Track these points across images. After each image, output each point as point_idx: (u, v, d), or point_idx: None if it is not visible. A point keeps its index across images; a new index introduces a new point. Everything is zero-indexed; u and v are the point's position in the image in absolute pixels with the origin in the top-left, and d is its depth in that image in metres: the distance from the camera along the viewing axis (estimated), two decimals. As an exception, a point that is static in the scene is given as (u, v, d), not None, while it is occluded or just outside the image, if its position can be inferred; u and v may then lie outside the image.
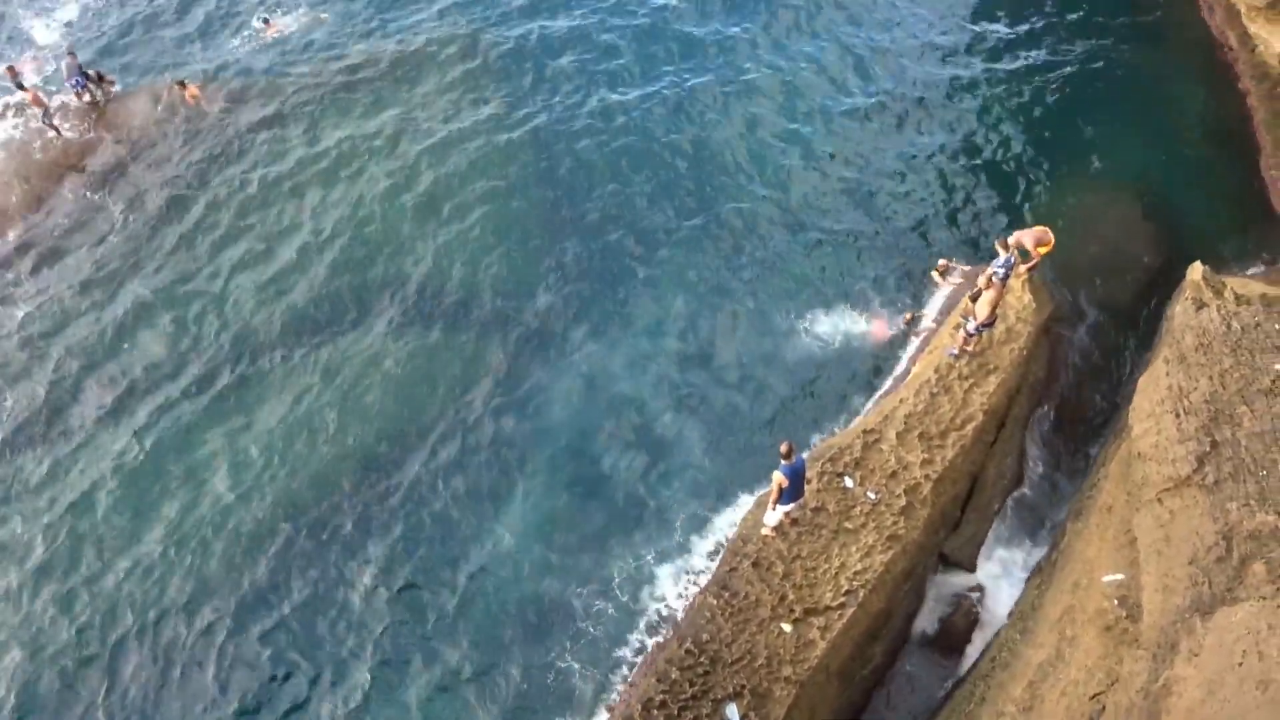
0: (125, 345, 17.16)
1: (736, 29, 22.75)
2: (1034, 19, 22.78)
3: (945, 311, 16.79)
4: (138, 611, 13.88)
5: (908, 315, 17.00)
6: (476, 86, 21.45)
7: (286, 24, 23.25)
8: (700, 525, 14.61)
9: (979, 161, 19.99)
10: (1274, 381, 12.91)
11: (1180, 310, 14.61)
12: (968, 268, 17.44)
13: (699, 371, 16.66)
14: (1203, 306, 14.37)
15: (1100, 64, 21.67)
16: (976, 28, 22.77)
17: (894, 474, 13.96)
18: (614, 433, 15.87)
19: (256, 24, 23.23)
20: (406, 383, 16.44)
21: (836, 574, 13.00)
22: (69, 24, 23.72)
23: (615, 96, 21.23)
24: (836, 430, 15.60)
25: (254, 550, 14.50)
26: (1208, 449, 12.20)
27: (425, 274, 17.97)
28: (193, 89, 20.94)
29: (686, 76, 21.69)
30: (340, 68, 21.92)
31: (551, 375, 16.62)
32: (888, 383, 16.33)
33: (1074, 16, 22.70)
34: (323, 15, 23.44)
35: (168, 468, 15.45)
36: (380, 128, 20.52)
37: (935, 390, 14.85)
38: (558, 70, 21.87)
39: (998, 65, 21.83)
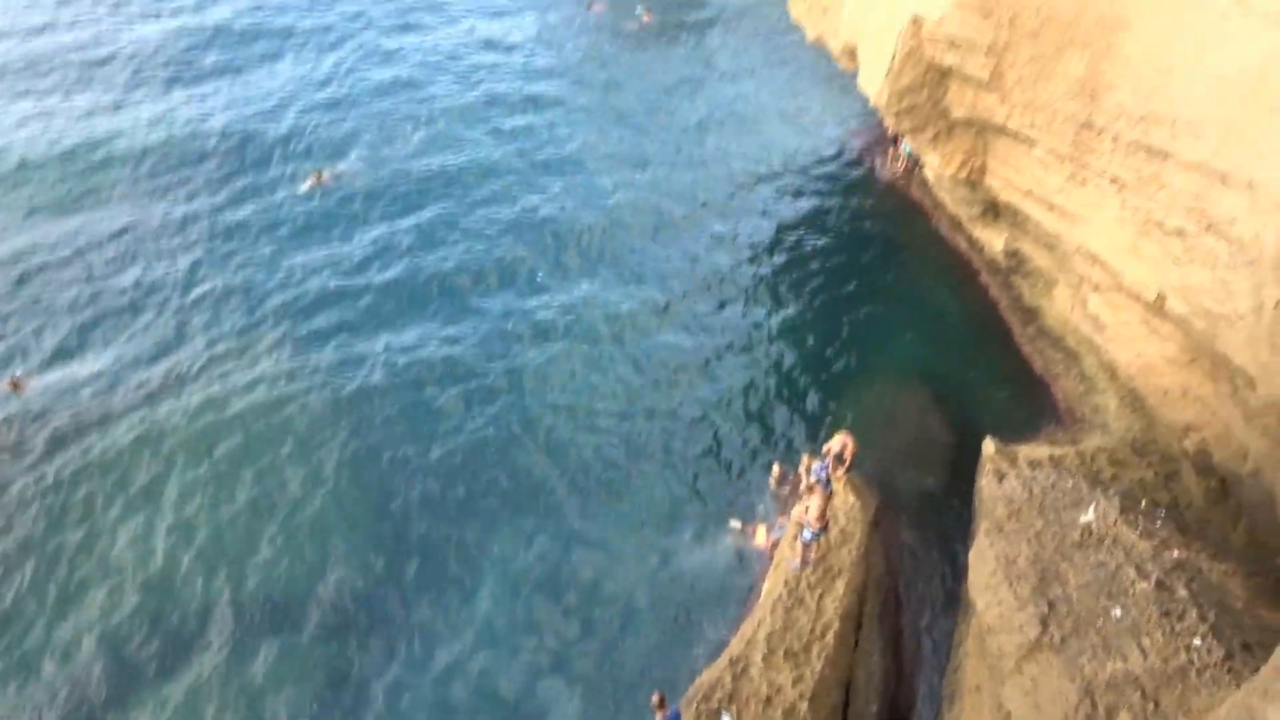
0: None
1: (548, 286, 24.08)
2: (803, 248, 25.45)
3: (786, 519, 17.26)
4: None
5: (751, 526, 17.32)
6: (284, 380, 21.12)
7: (39, 381, 20.54)
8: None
9: (783, 379, 21.38)
10: (1083, 534, 13.90)
11: (986, 484, 15.71)
12: (796, 475, 18.21)
13: (562, 628, 16.08)
14: (1003, 477, 15.53)
15: (867, 278, 24.27)
16: (758, 267, 25.05)
17: (769, 699, 13.66)
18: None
19: (4, 386, 20.20)
20: (246, 712, 14.88)
21: (735, 822, 12.26)
22: None
23: (436, 362, 21.58)
24: (702, 654, 15.27)
25: None
26: (1046, 610, 12.78)
27: (253, 588, 16.72)
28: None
29: (507, 332, 22.45)
30: (120, 405, 20.30)
31: (404, 671, 15.53)
32: (745, 603, 16.32)
33: (837, 244, 25.61)
34: (87, 360, 21.22)
35: None
36: (174, 445, 19.40)
37: (789, 604, 14.95)
38: (371, 356, 22.06)
39: (784, 294, 23.97)
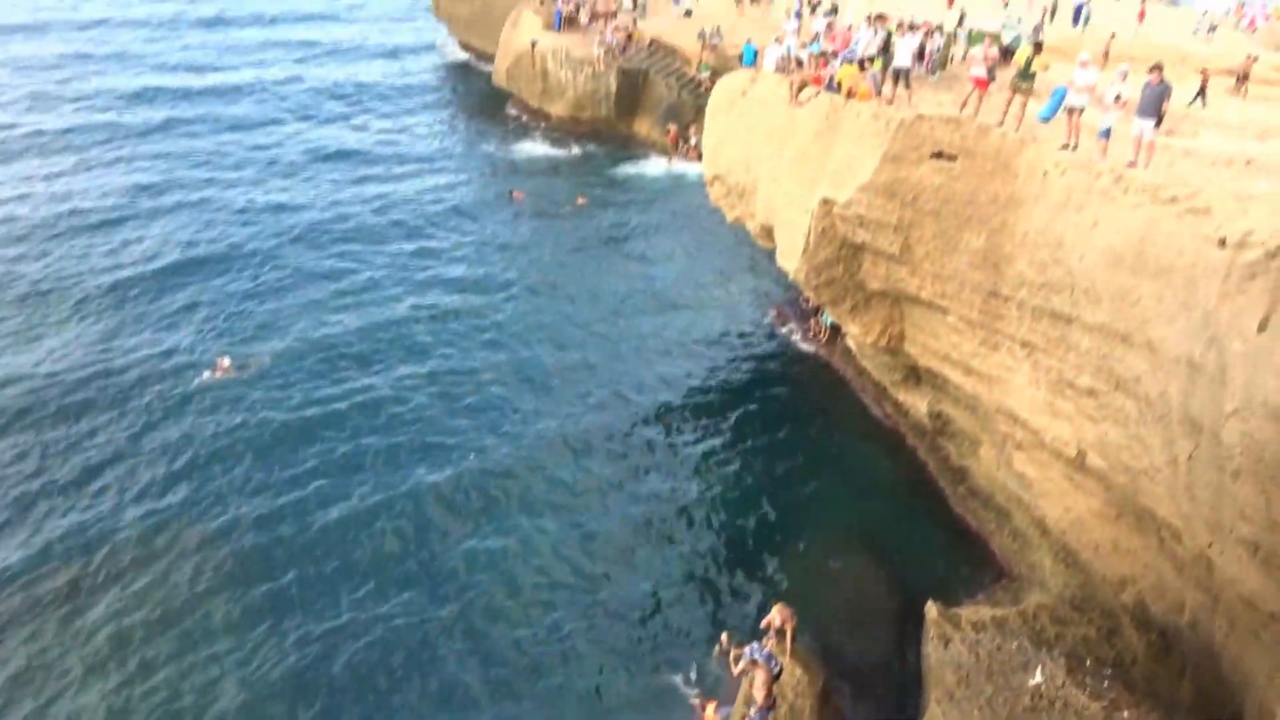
0: None
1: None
2: (732, 423, 25.81)
3: (735, 694, 16.58)
4: None
5: (700, 703, 16.59)
6: (191, 589, 19.89)
7: None
8: None
9: (718, 554, 21.08)
10: (1033, 698, 13.66)
11: (932, 649, 15.49)
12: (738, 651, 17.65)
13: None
14: (949, 641, 15.34)
15: (797, 448, 24.57)
16: (686, 446, 25.18)
17: None
18: None
19: None
20: None
21: None
22: None
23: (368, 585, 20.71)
24: None
25: None
26: (1005, 782, 12.35)
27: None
28: None
29: (447, 543, 21.75)
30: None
31: None
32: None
33: (765, 416, 26.09)
34: None
35: None
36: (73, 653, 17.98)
37: (742, 792, 14.17)
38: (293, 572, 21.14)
39: (713, 470, 24.04)
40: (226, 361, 26.52)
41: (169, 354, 27.28)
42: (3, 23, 63.34)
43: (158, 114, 48.32)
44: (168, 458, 23.01)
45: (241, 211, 37.40)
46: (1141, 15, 36.62)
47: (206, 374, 26.10)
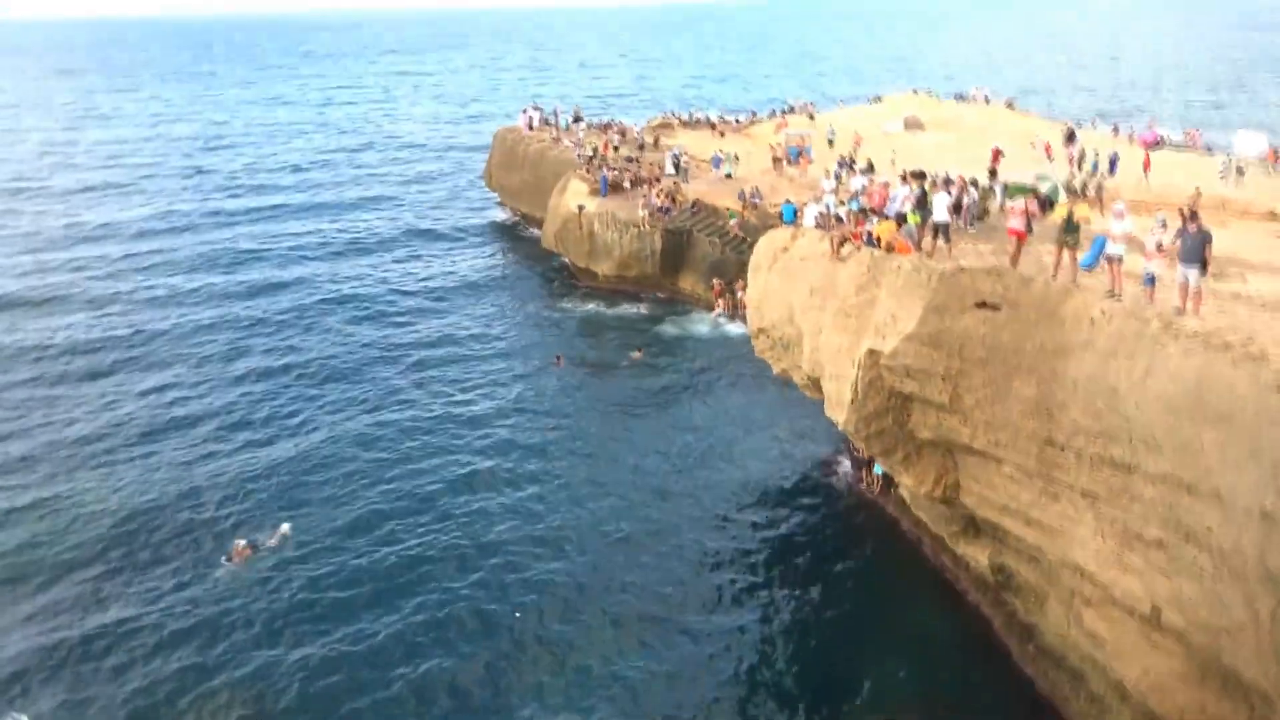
0: None
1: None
2: (786, 581, 25.11)
3: None
4: None
5: None
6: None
7: None
8: None
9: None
10: None
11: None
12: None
13: None
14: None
15: (852, 606, 23.78)
16: (736, 606, 24.42)
17: None
18: None
19: None
20: None
21: None
22: None
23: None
24: None
25: None
26: None
27: None
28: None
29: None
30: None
31: None
32: None
33: (819, 573, 25.36)
34: None
35: None
36: None
37: None
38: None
39: (765, 632, 23.27)
40: (248, 543, 26.42)
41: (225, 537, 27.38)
42: (66, 232, 65.98)
43: (211, 312, 48.69)
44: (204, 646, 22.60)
45: (294, 405, 36.94)
46: (1146, 164, 37.33)
47: (232, 560, 25.82)
